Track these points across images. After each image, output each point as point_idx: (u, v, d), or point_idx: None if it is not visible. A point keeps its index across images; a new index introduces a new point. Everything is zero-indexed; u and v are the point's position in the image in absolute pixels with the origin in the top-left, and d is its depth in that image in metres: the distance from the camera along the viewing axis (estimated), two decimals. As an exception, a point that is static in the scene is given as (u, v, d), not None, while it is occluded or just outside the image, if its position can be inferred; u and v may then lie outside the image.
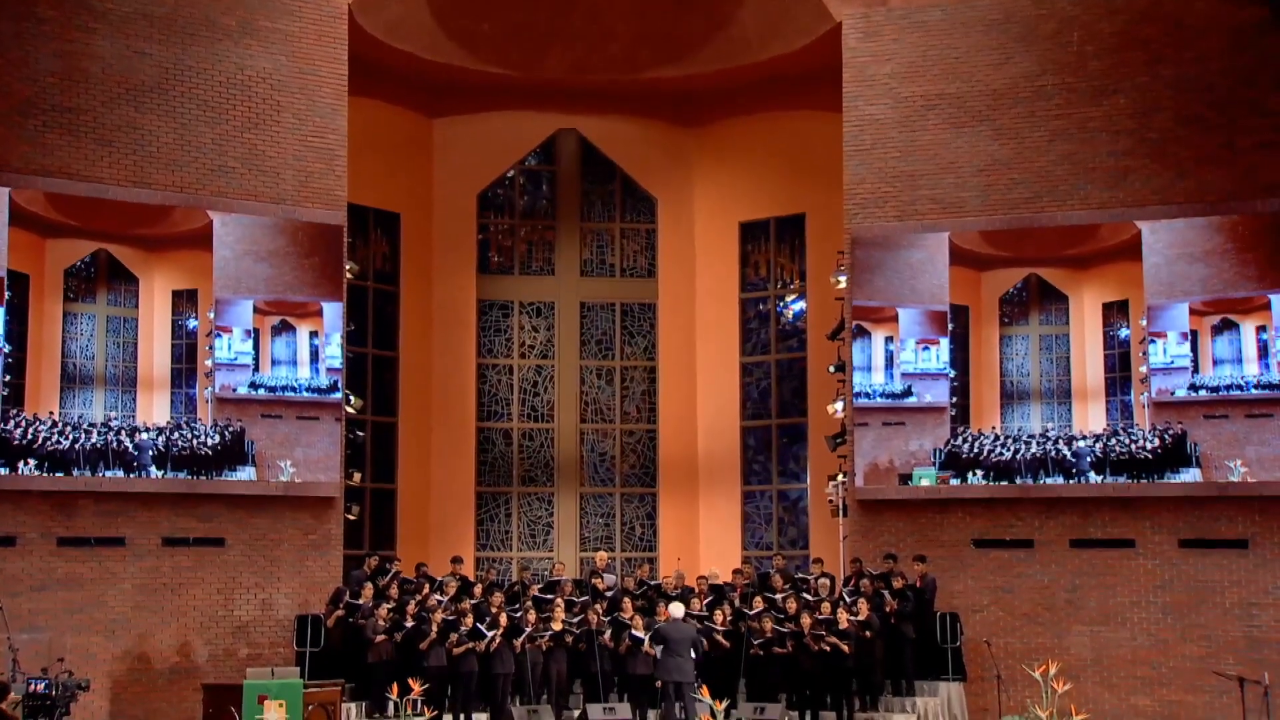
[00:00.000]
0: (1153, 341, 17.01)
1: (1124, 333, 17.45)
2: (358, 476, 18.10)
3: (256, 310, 17.20)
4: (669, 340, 21.54)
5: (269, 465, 16.88)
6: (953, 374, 17.78)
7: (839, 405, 18.19)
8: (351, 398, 17.83)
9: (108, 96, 16.35)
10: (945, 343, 17.77)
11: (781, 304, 21.21)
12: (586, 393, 21.33)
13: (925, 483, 17.41)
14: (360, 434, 18.47)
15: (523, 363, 21.27)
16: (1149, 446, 16.91)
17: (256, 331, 17.16)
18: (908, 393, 17.80)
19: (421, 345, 20.72)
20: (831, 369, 18.56)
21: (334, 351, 17.48)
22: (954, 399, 17.78)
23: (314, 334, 17.36)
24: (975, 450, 17.57)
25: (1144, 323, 17.12)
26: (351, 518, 17.78)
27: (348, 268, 17.76)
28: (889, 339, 17.88)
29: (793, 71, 20.00)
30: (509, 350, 21.27)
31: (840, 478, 18.10)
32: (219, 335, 16.92)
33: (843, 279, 18.11)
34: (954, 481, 17.40)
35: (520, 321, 21.35)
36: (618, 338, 21.54)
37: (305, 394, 17.29)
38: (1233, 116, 16.76)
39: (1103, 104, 17.28)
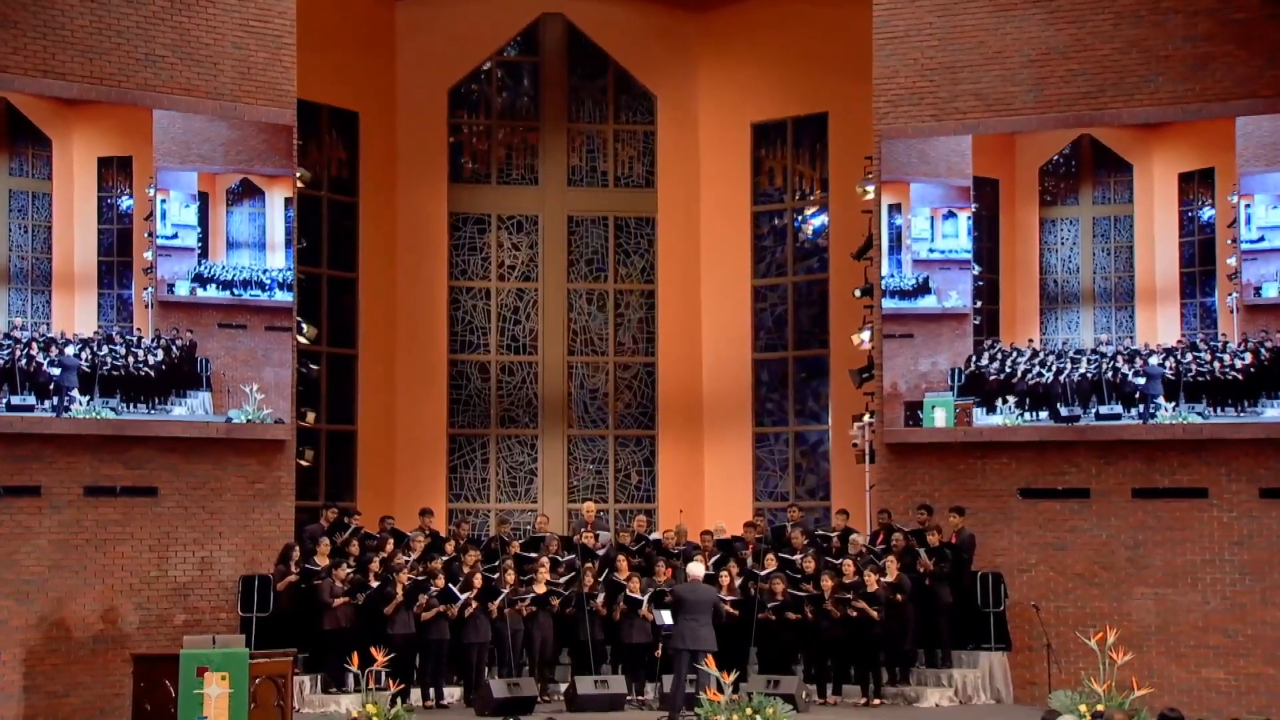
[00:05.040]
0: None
1: (1207, 213, 16.39)
2: (312, 416, 18.10)
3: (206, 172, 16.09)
4: (670, 260, 21.53)
5: (229, 390, 16.25)
6: (977, 270, 16.89)
7: (865, 335, 18.11)
8: (304, 326, 17.66)
9: (9, -31, 16.17)
10: (967, 223, 16.70)
11: (800, 218, 21.16)
12: (575, 320, 21.38)
13: (939, 414, 16.96)
14: (314, 368, 18.46)
15: (501, 285, 21.25)
16: (1238, 365, 16.04)
17: (204, 198, 15.98)
18: (924, 288, 16.81)
19: (384, 266, 20.70)
20: (857, 293, 18.39)
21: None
22: (978, 303, 16.96)
23: (289, 201, 16.19)
24: (1007, 371, 16.78)
25: (1233, 199, 15.96)
26: (305, 464, 17.70)
27: (298, 175, 17.53)
28: (895, 209, 16.80)
29: (814, -55, 20.08)
30: (486, 271, 21.27)
31: (867, 418, 18.10)
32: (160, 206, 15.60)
33: (870, 188, 17.99)
34: (977, 411, 16.80)
35: (499, 238, 21.31)
36: (611, 257, 21.51)
37: (276, 294, 16.41)
38: (1331, -9, 16.71)
39: (1178, -21, 17.27)
